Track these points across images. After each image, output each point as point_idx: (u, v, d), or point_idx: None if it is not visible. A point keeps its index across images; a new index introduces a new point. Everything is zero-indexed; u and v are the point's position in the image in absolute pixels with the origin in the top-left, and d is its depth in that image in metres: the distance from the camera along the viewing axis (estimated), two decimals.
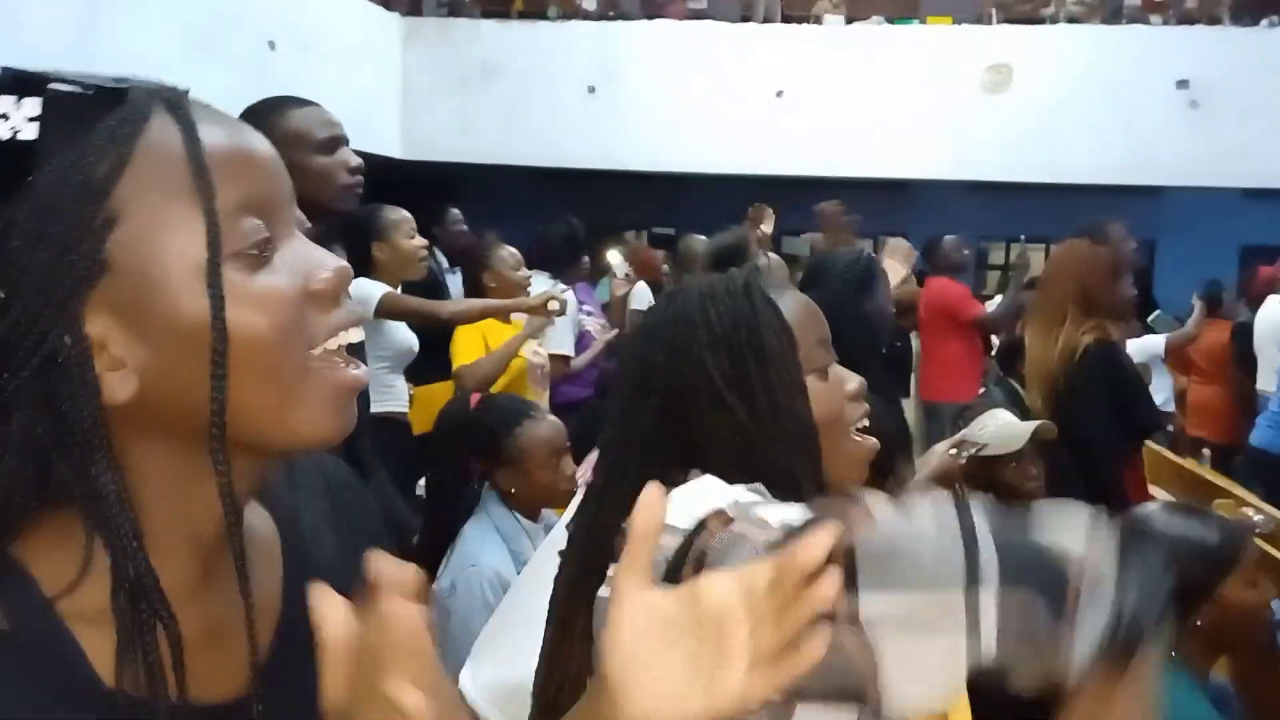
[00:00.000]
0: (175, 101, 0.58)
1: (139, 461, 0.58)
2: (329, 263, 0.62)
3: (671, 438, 0.97)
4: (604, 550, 0.92)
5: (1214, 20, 9.48)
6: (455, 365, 3.19)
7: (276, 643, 0.66)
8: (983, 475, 2.57)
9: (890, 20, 9.96)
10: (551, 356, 3.62)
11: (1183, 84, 8.96)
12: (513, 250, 3.60)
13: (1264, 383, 5.03)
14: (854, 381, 1.07)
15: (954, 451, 2.28)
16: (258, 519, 0.68)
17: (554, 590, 0.99)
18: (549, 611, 0.99)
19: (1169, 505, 1.94)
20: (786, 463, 0.94)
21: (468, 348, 3.19)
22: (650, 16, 10.00)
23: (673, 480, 0.95)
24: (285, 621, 0.67)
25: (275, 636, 0.66)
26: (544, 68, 9.55)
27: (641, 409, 0.99)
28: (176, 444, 0.59)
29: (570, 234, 4.17)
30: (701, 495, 0.86)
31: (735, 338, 0.97)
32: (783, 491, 0.91)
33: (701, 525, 0.79)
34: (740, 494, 0.84)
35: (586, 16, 9.92)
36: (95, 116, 0.55)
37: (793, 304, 1.04)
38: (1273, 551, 2.57)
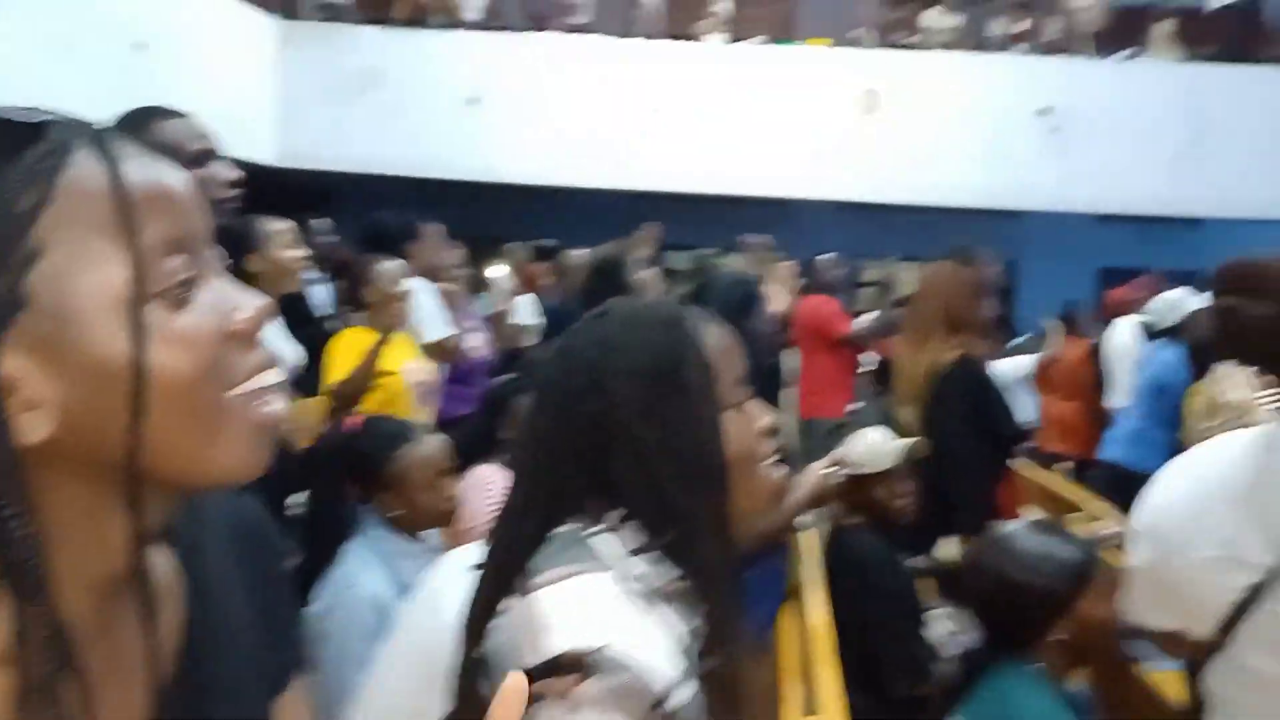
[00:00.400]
0: (99, 136, 0.58)
1: (48, 500, 0.56)
2: (248, 302, 0.62)
3: (587, 467, 0.95)
4: (515, 578, 0.91)
5: (1074, 51, 9.96)
6: (326, 383, 3.13)
7: (175, 682, 0.65)
8: (856, 493, 2.65)
9: (771, 41, 10.17)
10: (437, 344, 3.68)
11: (1044, 111, 9.38)
12: (397, 263, 3.53)
13: (1114, 400, 5.28)
14: (767, 418, 1.07)
15: (829, 470, 2.34)
16: (159, 558, 0.67)
17: (470, 611, 0.97)
18: (465, 634, 0.97)
19: (1029, 523, 2.03)
20: (690, 502, 0.93)
21: (343, 368, 3.13)
22: (533, 29, 9.99)
23: (585, 513, 0.95)
24: (185, 661, 0.67)
25: (175, 676, 0.66)
26: (426, 77, 9.44)
27: (558, 434, 0.97)
28: (88, 482, 0.58)
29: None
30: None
31: (657, 369, 0.96)
32: (682, 534, 0.92)
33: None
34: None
35: (469, 26, 9.86)
36: (16, 149, 0.54)
37: (715, 338, 1.03)
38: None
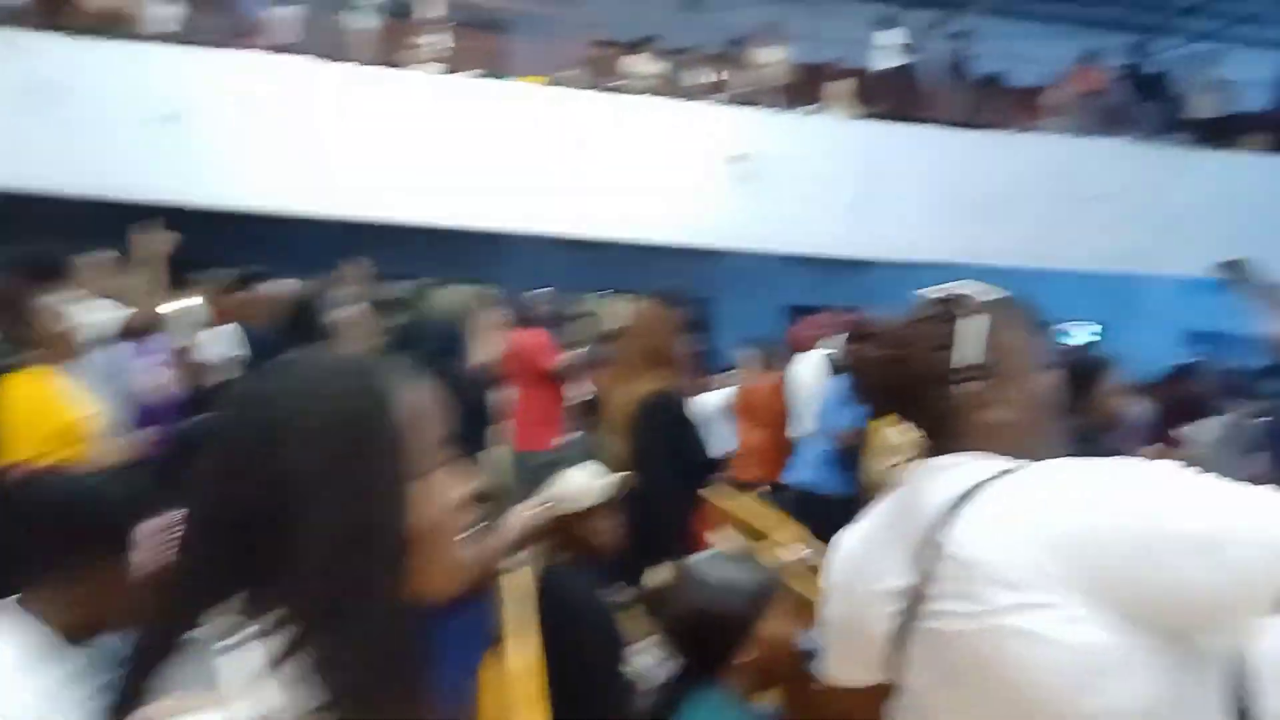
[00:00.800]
0: None
1: None
2: None
3: (244, 541, 0.84)
4: (130, 704, 0.81)
5: (762, 103, 10.68)
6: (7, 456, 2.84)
7: None
8: (562, 530, 2.70)
9: (485, 75, 10.21)
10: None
11: (735, 158, 10.02)
12: (63, 295, 3.23)
13: (799, 429, 5.64)
14: (465, 486, 0.95)
15: (535, 509, 2.38)
16: None
17: (128, 680, 0.84)
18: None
19: (712, 553, 2.16)
20: (361, 586, 0.83)
21: (30, 421, 2.84)
22: (234, 46, 9.50)
23: (235, 604, 0.84)
24: None
25: None
26: (115, 91, 8.73)
27: (220, 499, 0.85)
28: None
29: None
30: None
31: (341, 429, 0.86)
32: (347, 628, 0.82)
33: None
34: None
35: (164, 40, 9.21)
36: None
37: (415, 398, 0.91)
38: (802, 588, 2.91)
